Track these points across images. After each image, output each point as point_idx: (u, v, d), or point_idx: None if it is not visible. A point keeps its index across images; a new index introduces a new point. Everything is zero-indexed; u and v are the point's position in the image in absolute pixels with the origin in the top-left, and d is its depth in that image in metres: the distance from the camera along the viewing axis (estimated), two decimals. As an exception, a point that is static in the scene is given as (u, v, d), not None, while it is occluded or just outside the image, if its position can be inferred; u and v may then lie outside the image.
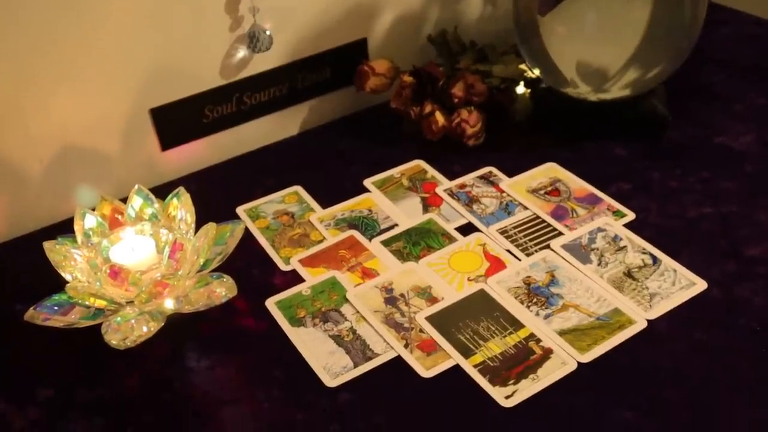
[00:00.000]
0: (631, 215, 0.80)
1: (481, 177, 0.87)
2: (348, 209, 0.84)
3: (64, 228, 0.76)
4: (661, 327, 0.68)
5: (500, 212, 0.82)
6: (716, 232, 0.77)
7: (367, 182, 0.88)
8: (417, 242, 0.79)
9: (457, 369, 0.65)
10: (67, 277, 0.68)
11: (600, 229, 0.78)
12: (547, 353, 0.66)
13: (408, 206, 0.84)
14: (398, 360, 0.67)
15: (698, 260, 0.74)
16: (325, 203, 0.85)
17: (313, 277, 0.75)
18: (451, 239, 0.79)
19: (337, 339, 0.69)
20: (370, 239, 0.80)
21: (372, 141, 0.95)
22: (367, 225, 0.82)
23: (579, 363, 0.65)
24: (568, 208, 0.82)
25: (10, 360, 0.70)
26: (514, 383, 0.64)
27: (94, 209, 0.73)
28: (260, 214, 0.84)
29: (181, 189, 0.74)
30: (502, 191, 0.85)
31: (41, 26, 0.75)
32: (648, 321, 0.68)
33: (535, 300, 0.71)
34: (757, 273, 0.72)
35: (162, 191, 0.77)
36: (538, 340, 0.67)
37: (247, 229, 0.80)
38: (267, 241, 0.80)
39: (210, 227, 0.70)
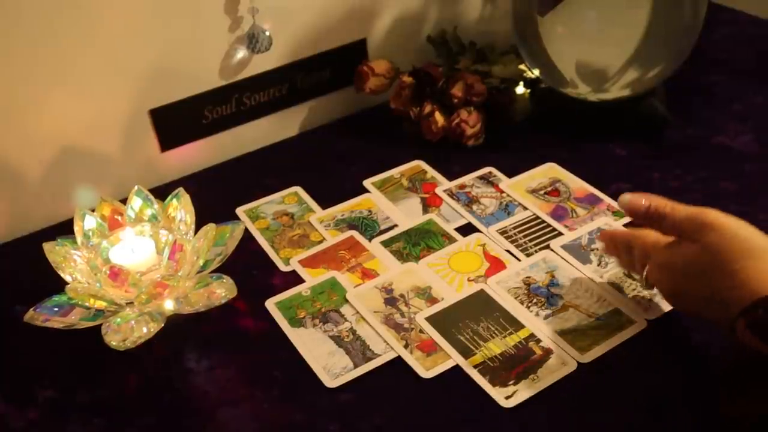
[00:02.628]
0: (630, 215, 0.80)
1: (481, 177, 0.87)
2: (348, 210, 0.84)
3: (63, 229, 0.76)
4: (661, 327, 0.68)
5: (500, 212, 0.82)
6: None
7: (367, 183, 0.88)
8: (417, 243, 0.79)
9: (457, 369, 0.65)
10: (67, 278, 0.68)
11: (600, 229, 0.78)
12: (547, 353, 0.66)
13: (408, 207, 0.84)
14: (398, 360, 0.67)
15: (698, 260, 0.73)
16: (324, 204, 0.85)
17: (312, 278, 0.75)
18: (451, 240, 0.79)
19: (337, 339, 0.69)
20: (369, 240, 0.80)
21: (371, 141, 0.95)
22: (366, 225, 0.82)
23: (579, 363, 0.65)
24: (567, 209, 0.82)
25: (10, 361, 0.70)
26: (514, 383, 0.63)
27: (93, 210, 0.73)
28: (260, 215, 0.84)
29: (181, 190, 0.74)
30: (502, 191, 0.85)
31: (40, 27, 0.75)
32: (648, 321, 0.68)
33: (535, 300, 0.71)
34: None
35: (161, 192, 0.77)
36: (538, 341, 0.67)
37: (246, 230, 0.80)
38: (267, 241, 0.80)
39: (209, 228, 0.70)
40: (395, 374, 0.66)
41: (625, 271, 0.72)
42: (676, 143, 0.90)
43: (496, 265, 0.75)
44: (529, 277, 0.73)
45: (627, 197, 0.65)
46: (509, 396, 0.63)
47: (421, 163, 0.90)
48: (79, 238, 0.71)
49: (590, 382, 0.64)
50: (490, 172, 0.88)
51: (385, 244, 0.79)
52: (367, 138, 0.95)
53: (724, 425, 0.60)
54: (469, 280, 0.74)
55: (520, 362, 0.65)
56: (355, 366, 0.66)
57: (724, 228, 0.58)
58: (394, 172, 0.89)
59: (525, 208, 0.82)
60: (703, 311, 0.61)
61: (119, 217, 0.73)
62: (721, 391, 0.61)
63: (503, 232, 0.79)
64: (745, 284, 0.56)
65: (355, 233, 0.80)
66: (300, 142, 0.97)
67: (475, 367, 0.65)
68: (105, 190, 0.81)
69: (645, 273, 0.66)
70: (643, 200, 0.64)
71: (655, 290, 0.67)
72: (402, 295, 0.73)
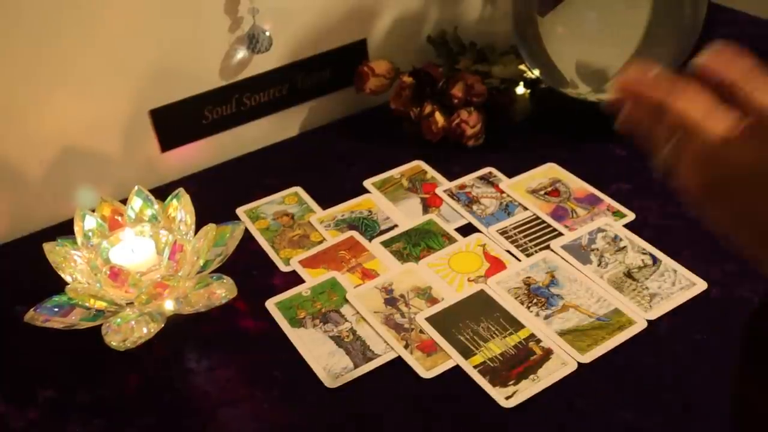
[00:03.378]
0: (631, 215, 0.80)
1: (481, 177, 0.87)
2: (348, 210, 0.84)
3: (64, 229, 0.76)
4: (661, 327, 0.68)
5: (500, 213, 0.82)
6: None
7: (367, 183, 0.88)
8: (417, 243, 0.79)
9: (457, 370, 0.65)
10: (67, 278, 0.68)
11: (600, 230, 0.78)
12: (548, 354, 0.66)
13: (408, 207, 0.84)
14: (398, 361, 0.67)
15: (698, 260, 0.74)
16: (325, 204, 0.85)
17: (313, 278, 0.75)
18: (451, 240, 0.79)
19: (337, 340, 0.69)
20: (370, 240, 0.80)
21: (372, 142, 0.95)
22: (367, 226, 0.82)
23: (579, 363, 0.65)
24: (567, 209, 0.82)
25: (10, 361, 0.70)
26: (515, 384, 0.64)
27: (93, 210, 0.73)
28: (260, 215, 0.84)
29: (181, 190, 0.74)
30: (502, 192, 0.85)
31: (41, 28, 0.75)
32: (648, 321, 0.68)
33: (535, 300, 0.71)
34: (757, 273, 0.72)
35: (162, 192, 0.77)
36: (539, 341, 0.67)
37: (246, 230, 0.80)
38: (267, 242, 0.80)
39: (210, 228, 0.70)
40: (395, 374, 0.66)
41: (628, 131, 0.46)
42: (677, 143, 0.90)
43: (496, 266, 0.75)
44: (529, 278, 0.73)
45: (703, 58, 0.41)
46: (509, 396, 0.63)
47: (421, 164, 0.90)
48: (79, 239, 0.71)
49: (590, 382, 0.64)
50: (490, 173, 0.88)
51: (386, 244, 0.79)
52: (367, 138, 0.95)
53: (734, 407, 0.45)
54: (469, 280, 0.74)
55: (521, 362, 0.65)
56: (356, 366, 0.66)
57: None
58: (395, 172, 0.89)
59: (525, 209, 0.82)
60: (751, 241, 0.43)
61: (119, 218, 0.73)
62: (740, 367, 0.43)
63: (503, 233, 0.79)
64: None
65: (355, 233, 0.80)
66: (300, 142, 0.97)
67: (475, 367, 0.65)
68: (105, 190, 0.81)
69: (667, 151, 0.43)
70: (723, 65, 0.41)
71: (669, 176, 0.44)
72: (402, 296, 0.73)
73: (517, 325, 0.69)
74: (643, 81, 0.43)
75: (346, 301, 0.73)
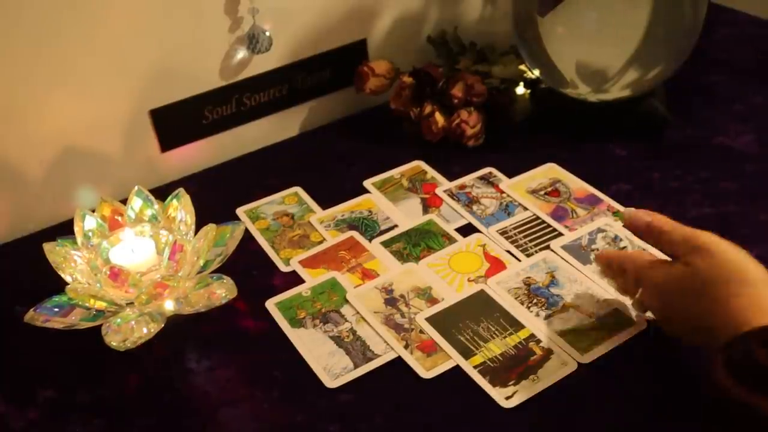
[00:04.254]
0: (631, 215, 0.80)
1: (481, 178, 0.87)
2: (348, 210, 0.84)
3: (64, 229, 0.76)
4: (661, 327, 0.68)
5: (500, 213, 0.82)
6: (716, 232, 0.77)
7: (367, 183, 0.88)
8: (417, 243, 0.79)
9: (457, 370, 0.65)
10: (67, 278, 0.68)
11: (600, 230, 0.78)
12: (548, 354, 0.66)
13: (408, 207, 0.84)
14: (398, 361, 0.67)
15: (698, 260, 0.73)
16: (325, 204, 0.85)
17: (313, 278, 0.75)
18: (451, 240, 0.79)
19: (337, 340, 0.69)
20: (370, 240, 0.80)
21: (372, 142, 0.95)
22: (367, 226, 0.82)
23: (579, 363, 0.65)
24: (568, 209, 0.82)
25: (10, 361, 0.70)
26: (515, 384, 0.63)
27: (93, 210, 0.73)
28: (260, 215, 0.84)
29: (181, 190, 0.74)
30: (502, 192, 0.85)
31: (41, 28, 0.75)
32: (648, 321, 0.68)
33: (535, 301, 0.71)
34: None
35: (162, 192, 0.77)
36: (539, 341, 0.67)
37: (247, 230, 0.80)
38: (267, 242, 0.80)
39: (210, 228, 0.70)
40: (395, 374, 0.66)
41: (621, 294, 0.69)
42: (676, 143, 0.90)
43: (496, 266, 0.75)
44: (529, 278, 0.73)
45: (631, 211, 0.65)
46: (509, 396, 0.63)
47: (421, 164, 0.90)
48: (79, 239, 0.71)
49: (590, 382, 0.64)
50: (490, 173, 0.88)
51: (386, 244, 0.79)
52: (367, 138, 0.95)
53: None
54: (469, 280, 0.74)
55: (521, 362, 0.65)
56: (356, 366, 0.66)
57: (717, 252, 0.57)
58: (395, 172, 0.89)
59: (525, 209, 0.82)
60: (693, 338, 0.60)
61: (119, 218, 0.73)
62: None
63: (503, 233, 0.79)
64: (734, 313, 0.54)
65: (355, 234, 0.80)
66: (300, 142, 0.97)
67: (475, 367, 0.65)
68: (105, 190, 0.81)
69: (638, 296, 0.65)
70: (646, 216, 0.63)
71: (650, 314, 0.66)
72: (402, 296, 0.73)
73: (517, 326, 0.69)
74: (610, 255, 0.68)
75: (346, 301, 0.73)
